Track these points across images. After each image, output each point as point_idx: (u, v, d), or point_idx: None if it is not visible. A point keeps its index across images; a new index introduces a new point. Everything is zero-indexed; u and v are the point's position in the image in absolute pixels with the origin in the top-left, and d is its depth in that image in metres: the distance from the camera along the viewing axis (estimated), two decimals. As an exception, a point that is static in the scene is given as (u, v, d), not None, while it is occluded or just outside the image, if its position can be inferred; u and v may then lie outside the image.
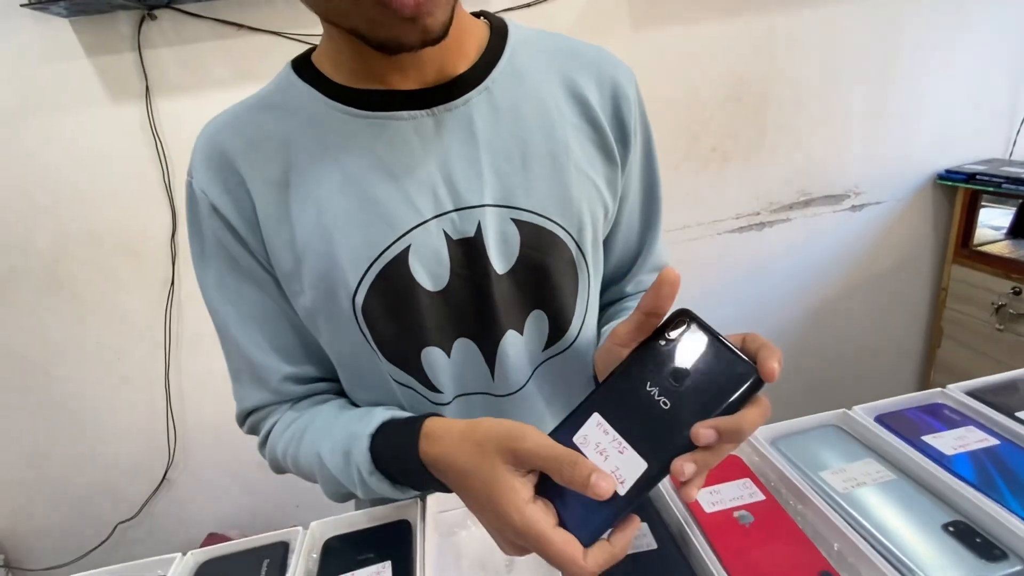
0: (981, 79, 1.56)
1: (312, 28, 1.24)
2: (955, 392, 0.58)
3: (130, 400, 1.47)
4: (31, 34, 1.16)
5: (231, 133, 0.47)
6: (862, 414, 0.56)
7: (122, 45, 1.20)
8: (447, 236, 0.47)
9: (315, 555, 0.50)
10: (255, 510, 1.62)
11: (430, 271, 0.47)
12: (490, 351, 0.51)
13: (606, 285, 0.63)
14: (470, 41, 0.48)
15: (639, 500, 0.33)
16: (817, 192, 1.60)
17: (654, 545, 0.45)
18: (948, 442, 0.51)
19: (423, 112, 0.46)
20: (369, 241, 0.46)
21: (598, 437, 0.35)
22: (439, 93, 0.46)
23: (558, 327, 0.53)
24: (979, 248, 1.61)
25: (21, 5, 1.06)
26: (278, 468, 0.55)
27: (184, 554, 0.51)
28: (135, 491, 1.54)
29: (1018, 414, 0.54)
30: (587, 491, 0.32)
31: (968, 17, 1.48)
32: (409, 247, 0.46)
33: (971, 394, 0.58)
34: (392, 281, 0.47)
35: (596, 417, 0.36)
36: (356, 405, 0.56)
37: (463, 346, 0.51)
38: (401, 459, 0.43)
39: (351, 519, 0.53)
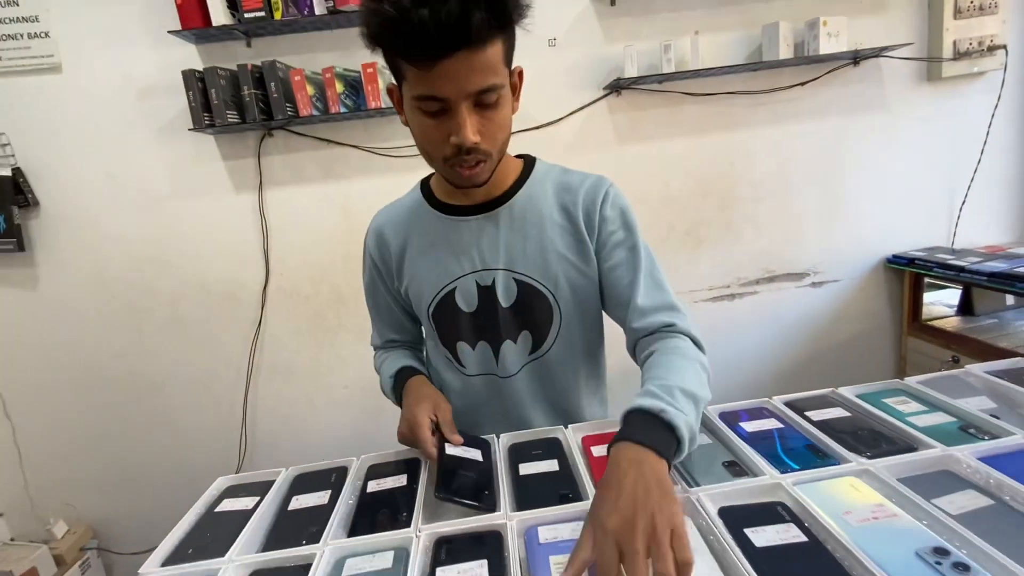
0: (921, 180, 1.82)
1: (376, 143, 1.70)
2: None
3: (215, 415, 1.84)
4: (189, 146, 1.67)
5: (385, 220, 0.86)
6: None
7: (247, 153, 1.68)
8: (477, 284, 0.80)
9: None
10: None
11: (466, 301, 0.81)
12: (497, 350, 0.84)
13: (621, 320, 0.82)
14: (509, 175, 0.80)
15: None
16: (780, 270, 1.87)
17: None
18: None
19: (475, 216, 0.80)
20: (437, 281, 0.82)
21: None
22: (485, 207, 0.79)
23: (537, 342, 0.84)
24: (928, 323, 1.84)
25: (189, 129, 1.56)
26: (377, 370, 0.94)
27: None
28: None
29: None
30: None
31: (901, 133, 1.78)
32: (456, 288, 0.81)
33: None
34: (447, 303, 0.82)
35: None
36: (420, 358, 0.96)
37: (482, 345, 0.84)
38: (401, 378, 0.86)
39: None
